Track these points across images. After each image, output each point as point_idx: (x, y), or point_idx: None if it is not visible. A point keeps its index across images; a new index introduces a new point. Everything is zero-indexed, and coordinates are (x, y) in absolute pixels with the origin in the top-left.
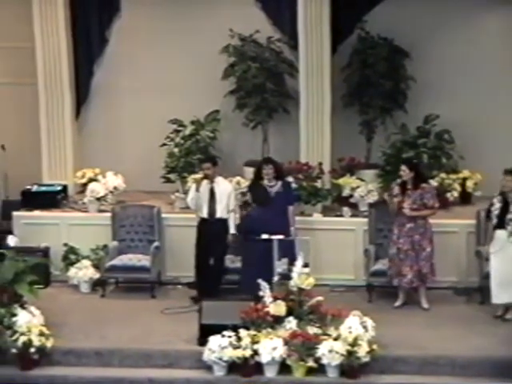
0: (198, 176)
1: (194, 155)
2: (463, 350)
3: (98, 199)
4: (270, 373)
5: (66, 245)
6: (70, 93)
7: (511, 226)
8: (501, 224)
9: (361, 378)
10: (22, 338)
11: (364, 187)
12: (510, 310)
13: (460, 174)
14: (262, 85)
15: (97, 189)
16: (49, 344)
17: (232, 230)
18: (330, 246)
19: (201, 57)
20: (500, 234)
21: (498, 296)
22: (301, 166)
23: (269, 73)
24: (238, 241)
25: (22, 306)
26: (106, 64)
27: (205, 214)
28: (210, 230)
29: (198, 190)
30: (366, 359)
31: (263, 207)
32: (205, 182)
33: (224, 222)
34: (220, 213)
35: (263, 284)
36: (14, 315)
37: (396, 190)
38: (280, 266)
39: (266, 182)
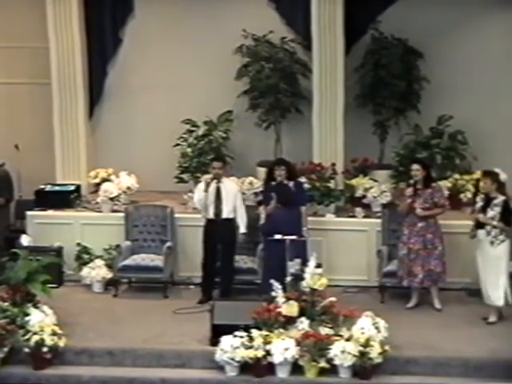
0: (209, 176)
1: (206, 155)
2: (476, 351)
3: (111, 199)
4: (283, 373)
5: (79, 244)
6: (84, 93)
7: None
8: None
9: (373, 378)
10: (35, 338)
11: (377, 188)
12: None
13: (473, 175)
14: (276, 85)
15: (110, 189)
16: (61, 343)
17: (242, 230)
18: (343, 247)
19: (214, 57)
20: (480, 233)
21: (487, 297)
22: (314, 166)
23: (282, 73)
24: (249, 240)
25: (35, 306)
26: (119, 64)
27: (211, 214)
28: (217, 231)
29: (206, 190)
30: (379, 360)
31: (286, 207)
32: (212, 182)
33: (231, 222)
34: (227, 213)
35: (276, 284)
36: (27, 314)
37: (410, 191)
38: (293, 266)
39: None
